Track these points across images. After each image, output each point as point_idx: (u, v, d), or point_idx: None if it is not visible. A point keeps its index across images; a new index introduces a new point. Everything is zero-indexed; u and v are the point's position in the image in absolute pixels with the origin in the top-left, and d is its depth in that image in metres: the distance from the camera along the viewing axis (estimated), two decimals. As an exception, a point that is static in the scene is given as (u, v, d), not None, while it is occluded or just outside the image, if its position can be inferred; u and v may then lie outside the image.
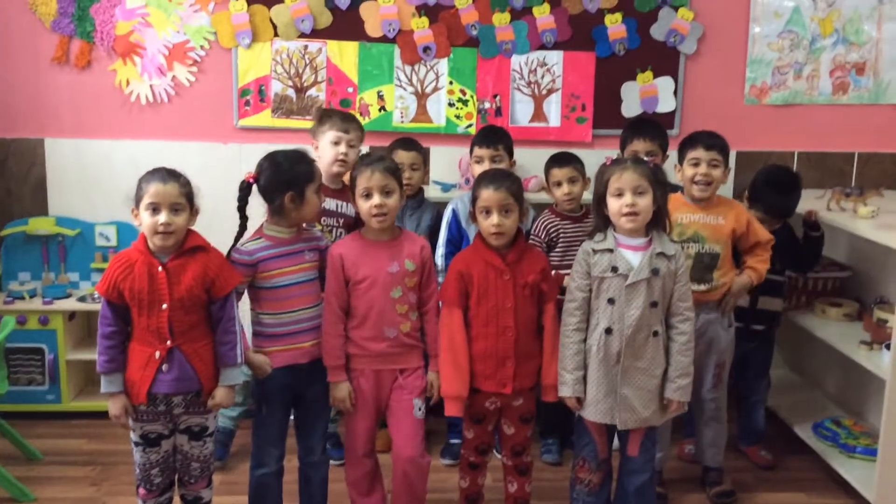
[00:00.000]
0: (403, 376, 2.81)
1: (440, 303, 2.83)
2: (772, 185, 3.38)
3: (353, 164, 3.24)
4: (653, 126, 3.55)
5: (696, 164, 3.06)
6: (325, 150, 3.28)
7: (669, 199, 3.06)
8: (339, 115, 3.36)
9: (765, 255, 3.17)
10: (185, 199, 2.55)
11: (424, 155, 3.64)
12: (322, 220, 3.21)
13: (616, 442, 2.88)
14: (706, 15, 4.00)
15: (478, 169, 3.33)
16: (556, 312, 2.79)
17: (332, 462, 3.05)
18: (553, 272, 2.96)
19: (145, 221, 2.51)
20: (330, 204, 3.23)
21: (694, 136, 3.15)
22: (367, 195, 2.73)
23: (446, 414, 2.80)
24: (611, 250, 2.68)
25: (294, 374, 2.76)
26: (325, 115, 3.36)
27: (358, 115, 3.96)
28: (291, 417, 2.89)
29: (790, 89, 4.09)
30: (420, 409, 2.83)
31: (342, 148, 3.26)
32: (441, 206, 3.54)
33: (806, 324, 3.61)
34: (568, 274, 2.87)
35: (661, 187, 2.71)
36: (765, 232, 3.18)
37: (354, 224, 3.27)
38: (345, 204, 3.28)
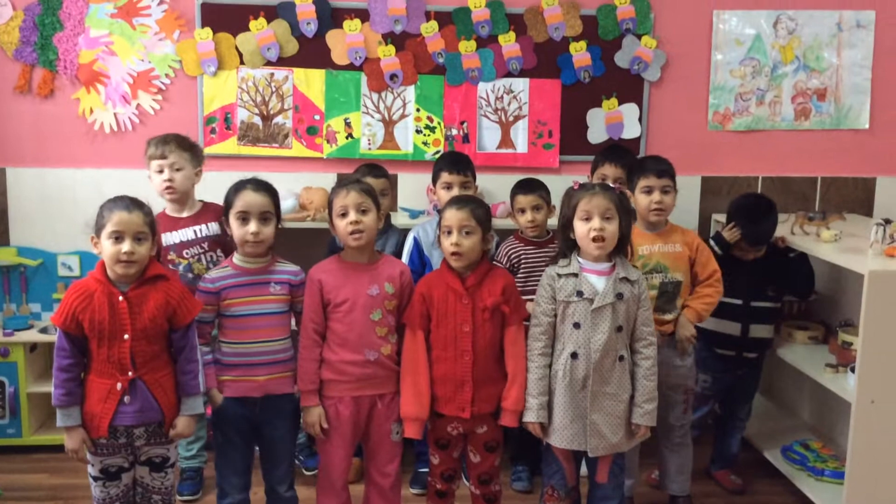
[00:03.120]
0: (382, 402, 2.80)
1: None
2: (743, 214, 3.39)
3: (184, 190, 3.19)
4: (623, 152, 3.58)
5: (649, 192, 3.07)
6: (154, 181, 3.19)
7: None
8: (156, 141, 3.21)
9: (708, 291, 3.12)
10: (149, 229, 2.52)
11: (391, 181, 3.64)
12: (183, 252, 3.15)
13: (584, 469, 2.87)
14: (669, 43, 4.05)
15: (445, 195, 3.33)
16: (517, 336, 2.77)
17: (306, 472, 3.00)
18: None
19: (107, 250, 2.47)
20: (186, 234, 3.18)
21: (643, 164, 3.17)
22: (343, 214, 2.73)
23: (405, 435, 2.78)
24: (575, 275, 2.69)
25: (246, 406, 2.73)
26: (147, 145, 3.23)
27: (325, 143, 3.96)
28: (257, 449, 2.86)
29: (753, 115, 4.14)
30: (397, 433, 2.83)
31: (165, 175, 3.16)
32: (407, 232, 3.52)
33: (773, 347, 3.62)
34: (530, 300, 2.87)
35: (627, 215, 2.73)
36: (713, 263, 3.15)
37: (223, 243, 3.16)
38: (205, 226, 3.20)
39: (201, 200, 3.29)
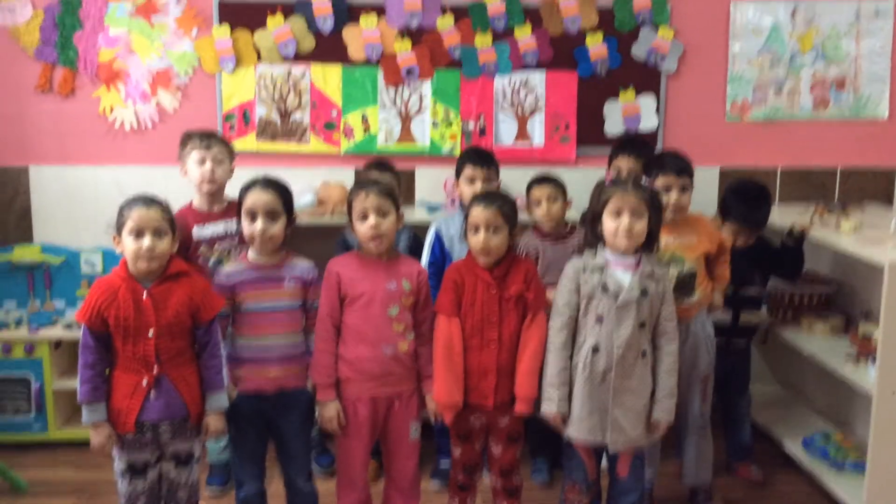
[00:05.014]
0: (400, 402, 2.81)
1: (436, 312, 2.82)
2: (740, 198, 3.42)
3: (222, 182, 3.27)
4: (639, 144, 3.58)
5: (668, 190, 3.05)
6: (192, 172, 3.25)
7: None
8: (198, 134, 3.30)
9: (727, 257, 3.21)
10: (168, 225, 2.55)
11: (399, 178, 3.61)
12: (214, 246, 3.21)
13: (605, 463, 2.87)
14: (686, 34, 4.04)
15: (468, 189, 3.34)
16: (535, 322, 2.77)
17: (320, 469, 3.04)
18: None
19: (129, 247, 2.50)
20: (217, 228, 3.24)
21: (663, 160, 3.14)
22: (363, 217, 2.74)
23: (447, 423, 2.76)
24: (601, 268, 2.69)
25: (260, 401, 2.75)
26: (185, 138, 3.32)
27: (342, 138, 3.98)
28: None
29: (771, 106, 4.12)
30: (416, 431, 2.85)
31: (207, 166, 3.22)
32: (419, 228, 3.53)
33: (792, 339, 3.61)
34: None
35: (657, 212, 2.73)
36: (725, 237, 3.23)
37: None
38: (234, 221, 3.18)
39: (227, 197, 3.34)
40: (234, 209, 3.20)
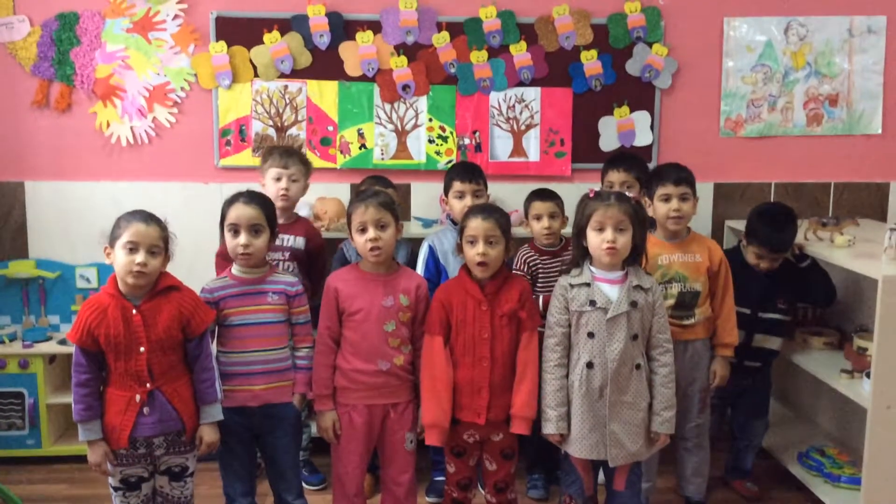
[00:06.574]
0: (395, 411, 2.81)
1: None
2: (765, 221, 3.36)
3: (295, 200, 3.39)
4: (630, 158, 3.60)
5: (667, 200, 3.07)
6: (269, 187, 3.35)
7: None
8: (279, 152, 3.41)
9: (731, 323, 3.18)
10: (163, 243, 2.55)
11: (402, 191, 3.64)
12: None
13: (601, 476, 2.87)
14: (680, 50, 4.06)
15: (458, 204, 3.35)
16: (530, 341, 2.77)
17: (309, 487, 3.02)
18: (541, 296, 3.05)
19: (120, 260, 2.49)
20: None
21: (661, 172, 3.18)
22: (363, 230, 2.75)
23: (426, 443, 2.78)
24: (588, 284, 2.69)
25: (245, 415, 2.75)
26: (267, 153, 3.44)
27: (338, 154, 4.00)
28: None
29: (765, 122, 4.15)
30: (411, 442, 2.85)
31: (283, 183, 3.33)
32: (415, 242, 3.54)
33: (788, 353, 3.61)
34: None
35: (642, 224, 2.73)
36: (730, 286, 3.18)
37: (305, 256, 3.34)
38: (292, 237, 3.34)
39: (296, 213, 3.46)
40: (299, 225, 3.41)
